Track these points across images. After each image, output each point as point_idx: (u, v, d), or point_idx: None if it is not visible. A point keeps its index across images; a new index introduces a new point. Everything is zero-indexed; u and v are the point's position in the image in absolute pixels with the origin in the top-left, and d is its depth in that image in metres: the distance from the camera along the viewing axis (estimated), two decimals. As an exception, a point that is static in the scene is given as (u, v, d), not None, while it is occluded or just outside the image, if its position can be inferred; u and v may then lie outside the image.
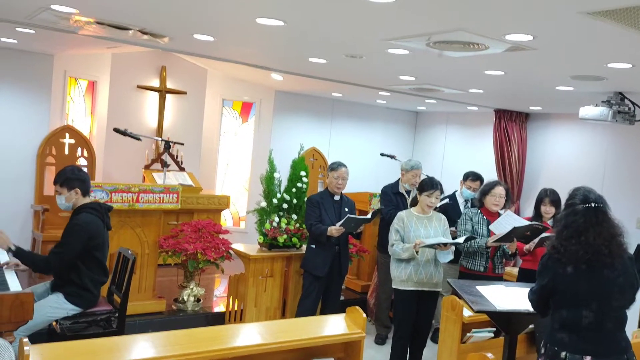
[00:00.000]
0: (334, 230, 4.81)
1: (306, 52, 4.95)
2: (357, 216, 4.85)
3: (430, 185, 4.57)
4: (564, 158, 7.88)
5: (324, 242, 4.93)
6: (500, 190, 4.87)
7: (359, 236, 5.31)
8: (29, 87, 6.77)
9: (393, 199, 5.42)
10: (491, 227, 4.67)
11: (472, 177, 5.63)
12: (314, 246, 5.03)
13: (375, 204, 6.39)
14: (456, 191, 5.86)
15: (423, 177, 5.02)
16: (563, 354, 2.79)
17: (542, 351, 2.91)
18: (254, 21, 3.77)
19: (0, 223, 6.29)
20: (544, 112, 8.00)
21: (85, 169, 6.13)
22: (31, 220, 6.87)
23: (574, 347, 2.78)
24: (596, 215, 2.81)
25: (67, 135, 7.09)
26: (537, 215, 4.94)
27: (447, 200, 5.51)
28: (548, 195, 4.85)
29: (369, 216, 4.99)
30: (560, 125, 8.00)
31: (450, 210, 5.39)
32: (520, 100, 7.01)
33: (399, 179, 5.58)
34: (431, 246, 4.46)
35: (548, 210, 4.85)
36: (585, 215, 2.81)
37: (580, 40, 3.53)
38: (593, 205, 2.84)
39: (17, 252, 3.80)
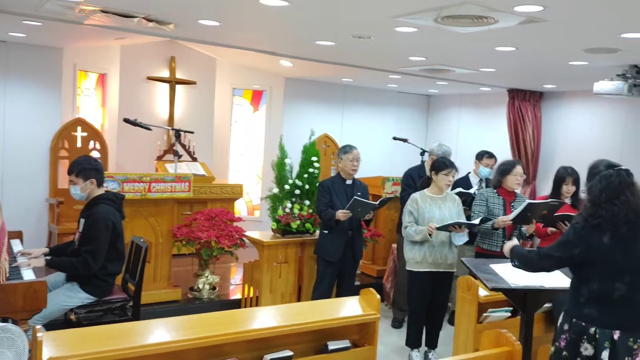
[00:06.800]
0: (340, 214, 4.77)
1: (313, 34, 4.89)
2: (363, 200, 4.79)
3: (446, 164, 4.53)
4: (580, 136, 7.75)
5: (336, 228, 4.89)
6: (520, 169, 4.80)
7: (368, 223, 5.25)
8: (40, 81, 6.80)
9: (416, 183, 5.34)
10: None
11: (487, 154, 5.62)
12: (326, 231, 4.99)
13: (389, 188, 6.34)
14: (469, 172, 5.79)
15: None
16: (592, 329, 2.73)
17: (567, 327, 2.82)
18: (257, 2, 3.72)
19: (17, 217, 6.37)
20: (559, 90, 7.87)
21: (97, 161, 6.16)
22: (46, 213, 6.93)
23: (604, 321, 2.72)
24: (628, 175, 2.79)
25: (79, 128, 7.12)
26: (556, 194, 4.84)
27: (459, 188, 5.44)
28: (570, 174, 4.75)
29: (376, 203, 4.92)
30: (576, 103, 7.86)
31: (466, 195, 5.33)
32: (534, 78, 6.89)
33: (424, 162, 5.53)
34: (445, 228, 4.41)
35: (570, 189, 4.76)
36: (619, 176, 2.77)
37: (592, 8, 3.44)
38: (622, 167, 2.83)
39: (51, 263, 3.81)
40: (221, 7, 4.07)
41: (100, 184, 3.98)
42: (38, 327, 2.57)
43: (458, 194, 5.07)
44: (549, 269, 2.99)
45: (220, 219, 5.44)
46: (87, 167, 3.90)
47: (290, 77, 8.58)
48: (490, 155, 5.62)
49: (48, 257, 3.85)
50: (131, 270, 4.24)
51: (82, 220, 3.93)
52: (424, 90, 9.41)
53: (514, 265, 3.12)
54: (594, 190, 2.82)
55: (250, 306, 5.41)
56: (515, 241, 3.30)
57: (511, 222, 4.53)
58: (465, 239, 4.50)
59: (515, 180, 4.76)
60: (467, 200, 5.14)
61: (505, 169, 4.80)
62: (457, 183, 5.51)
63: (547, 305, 4.10)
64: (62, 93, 7.00)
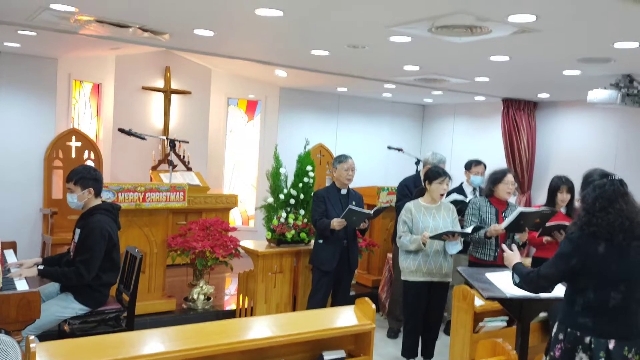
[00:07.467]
0: (335, 223, 4.76)
1: (308, 44, 4.91)
2: (358, 209, 4.78)
3: (439, 173, 4.54)
4: (574, 146, 7.78)
5: (330, 237, 4.88)
6: (511, 177, 4.81)
7: (363, 233, 5.25)
8: (34, 91, 6.79)
9: (412, 192, 5.33)
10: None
11: (475, 162, 5.69)
12: (321, 241, 4.97)
13: (384, 198, 6.34)
14: (462, 183, 5.81)
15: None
16: (587, 339, 2.73)
17: (561, 337, 2.82)
18: (252, 12, 3.74)
19: (11, 227, 6.35)
20: (552, 99, 7.91)
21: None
22: (40, 223, 6.89)
23: (599, 331, 2.72)
24: (621, 185, 2.80)
25: (73, 138, 7.10)
26: (551, 203, 4.85)
27: (455, 194, 5.45)
28: (565, 183, 4.76)
29: (371, 211, 4.92)
30: (570, 112, 7.90)
31: (461, 203, 5.34)
32: (528, 87, 6.93)
33: (419, 172, 5.54)
34: (439, 237, 4.41)
35: (564, 197, 4.76)
36: (612, 185, 2.78)
37: (584, 18, 3.46)
38: (616, 176, 2.84)
39: (43, 273, 3.77)
40: (216, 17, 4.08)
41: (98, 194, 3.97)
42: (31, 338, 2.55)
43: (453, 202, 5.07)
44: (549, 287, 2.90)
45: (215, 229, 5.43)
46: (86, 176, 3.89)
47: (285, 86, 8.59)
48: (478, 163, 5.66)
49: (40, 267, 3.82)
50: (125, 280, 4.22)
51: (78, 231, 3.91)
52: (419, 99, 9.44)
53: (515, 284, 3.04)
54: (588, 199, 2.82)
55: (245, 316, 5.38)
56: (516, 252, 3.23)
57: (504, 230, 4.53)
58: (459, 247, 4.50)
59: (506, 189, 4.76)
60: (463, 210, 5.15)
61: (496, 178, 4.81)
62: (451, 193, 5.54)
63: (542, 314, 4.11)
64: (57, 103, 6.99)
